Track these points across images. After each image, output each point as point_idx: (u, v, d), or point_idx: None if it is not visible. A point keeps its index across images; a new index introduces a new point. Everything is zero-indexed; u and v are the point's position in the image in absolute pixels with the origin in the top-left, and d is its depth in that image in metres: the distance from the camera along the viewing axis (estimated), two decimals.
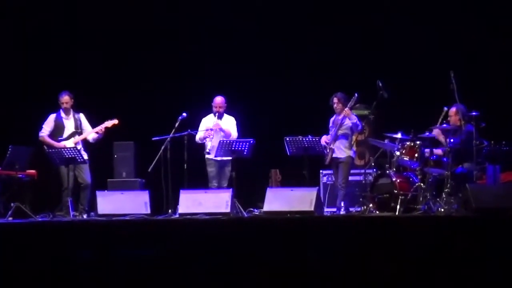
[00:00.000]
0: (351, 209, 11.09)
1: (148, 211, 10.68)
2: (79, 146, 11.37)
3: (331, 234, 8.75)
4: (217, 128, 11.33)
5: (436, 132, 10.54)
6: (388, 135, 10.87)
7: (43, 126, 11.52)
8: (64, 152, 11.09)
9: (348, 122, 11.02)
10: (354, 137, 11.12)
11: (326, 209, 11.29)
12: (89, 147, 11.65)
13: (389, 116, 11.63)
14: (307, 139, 10.87)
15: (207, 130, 11.35)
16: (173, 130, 11.17)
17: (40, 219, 10.76)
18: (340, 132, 11.06)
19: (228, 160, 11.23)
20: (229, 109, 11.57)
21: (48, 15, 13.46)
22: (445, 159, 10.47)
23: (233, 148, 10.96)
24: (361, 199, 10.88)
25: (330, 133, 11.13)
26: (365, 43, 13.01)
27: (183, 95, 12.70)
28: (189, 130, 11.25)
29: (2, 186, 11.28)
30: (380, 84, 10.84)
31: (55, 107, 11.62)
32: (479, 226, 8.60)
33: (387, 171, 10.73)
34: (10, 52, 13.41)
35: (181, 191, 10.65)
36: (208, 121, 11.47)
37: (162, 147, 11.09)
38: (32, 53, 13.63)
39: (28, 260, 8.79)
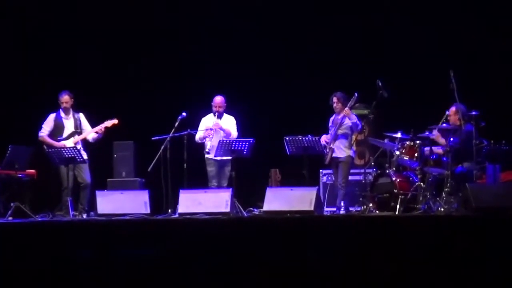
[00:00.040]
0: (351, 208, 11.09)
1: (148, 211, 10.67)
2: (79, 146, 11.38)
3: (331, 233, 8.75)
4: (217, 127, 11.34)
5: (435, 134, 10.55)
6: (388, 134, 10.87)
7: (43, 125, 11.52)
8: (63, 151, 11.09)
9: (348, 122, 11.02)
10: (354, 137, 11.11)
11: (326, 209, 11.27)
12: (88, 147, 11.65)
13: (389, 116, 11.63)
14: (307, 138, 10.87)
15: (206, 129, 11.35)
16: (173, 130, 11.17)
17: (39, 219, 10.76)
18: (339, 131, 11.06)
19: (228, 160, 11.23)
20: (229, 109, 11.57)
21: (48, 15, 13.47)
22: (445, 159, 10.47)
23: (232, 148, 10.96)
24: (361, 199, 10.87)
25: (330, 132, 11.13)
26: (365, 43, 13.00)
27: (183, 95, 12.70)
28: (188, 129, 11.26)
29: (2, 186, 11.28)
30: (380, 84, 10.83)
31: (55, 107, 11.63)
32: (479, 226, 8.59)
33: (387, 171, 10.73)
34: (10, 52, 13.40)
35: (180, 190, 10.64)
36: (208, 121, 11.47)
37: (162, 147, 11.09)
38: (32, 53, 13.63)
39: (28, 260, 8.79)
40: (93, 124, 11.59)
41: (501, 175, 10.22)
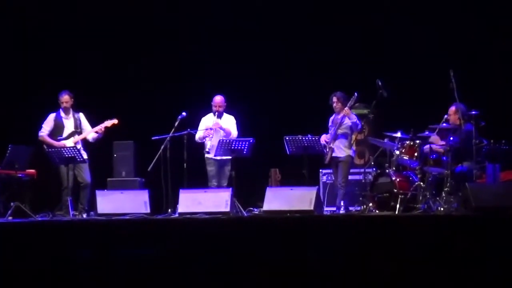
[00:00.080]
0: (350, 208, 11.08)
1: (148, 211, 10.68)
2: (79, 146, 11.38)
3: (330, 233, 8.76)
4: (216, 127, 11.34)
5: (434, 139, 10.56)
6: (388, 134, 10.87)
7: (43, 125, 11.53)
8: (63, 151, 11.10)
9: (347, 122, 11.02)
10: (353, 136, 11.11)
11: (325, 209, 11.27)
12: (88, 147, 11.65)
13: (389, 115, 11.62)
14: (306, 138, 10.88)
15: (206, 129, 11.35)
16: (173, 130, 11.17)
17: (39, 219, 10.75)
18: (339, 131, 11.06)
19: (228, 160, 11.23)
20: (229, 109, 11.58)
21: (48, 15, 13.46)
22: (444, 158, 10.47)
23: (232, 148, 10.97)
24: (360, 198, 10.86)
25: (330, 132, 11.14)
26: (365, 43, 13.00)
27: (183, 95, 12.70)
28: (188, 129, 11.26)
29: (2, 186, 11.28)
30: (380, 83, 10.83)
31: (55, 107, 11.63)
32: (478, 225, 8.61)
33: (387, 170, 10.73)
34: (10, 52, 13.41)
35: (180, 190, 10.65)
36: (207, 120, 11.47)
37: (162, 147, 11.09)
38: (32, 53, 13.63)
39: (28, 260, 8.80)
40: (93, 124, 11.59)
41: (501, 174, 10.23)
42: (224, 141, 11.04)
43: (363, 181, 11.20)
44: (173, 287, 8.64)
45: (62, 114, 11.55)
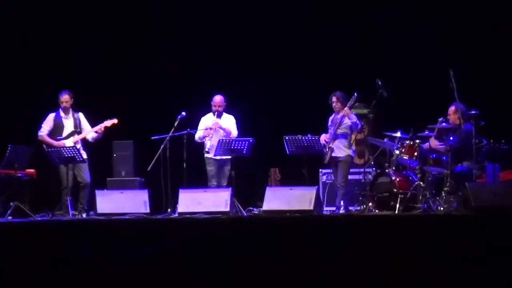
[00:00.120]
0: (350, 208, 11.05)
1: (148, 210, 10.67)
2: (78, 145, 11.38)
3: (330, 233, 8.76)
4: (216, 127, 11.34)
5: (432, 143, 10.57)
6: (388, 134, 10.87)
7: (42, 125, 11.53)
8: (63, 151, 11.09)
9: (347, 121, 11.01)
10: (353, 136, 11.10)
11: (325, 208, 11.27)
12: (88, 146, 11.65)
13: (389, 115, 11.63)
14: (306, 138, 10.88)
15: (206, 129, 11.35)
16: (173, 129, 11.17)
17: (39, 218, 10.74)
18: (339, 131, 11.06)
19: (228, 159, 11.23)
20: (229, 109, 11.58)
21: (48, 15, 13.46)
22: (444, 158, 10.47)
23: (232, 147, 10.97)
24: (360, 198, 10.86)
25: (329, 131, 11.13)
26: (365, 43, 13.00)
27: (183, 94, 12.70)
28: (188, 129, 11.25)
29: (2, 185, 11.27)
30: (380, 83, 10.83)
31: (55, 107, 11.63)
32: (478, 225, 8.61)
33: (387, 170, 10.72)
34: (10, 52, 13.41)
35: (180, 190, 10.64)
36: (207, 120, 11.47)
37: (162, 146, 11.10)
38: (32, 53, 13.63)
39: (27, 260, 8.79)
40: (93, 124, 11.59)
41: (501, 174, 10.23)
42: (224, 140, 11.04)
43: (363, 180, 11.20)
44: (173, 287, 8.62)
45: (62, 114, 11.55)
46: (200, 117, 11.56)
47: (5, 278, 8.74)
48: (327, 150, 11.02)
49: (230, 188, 10.67)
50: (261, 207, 10.58)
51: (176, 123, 11.19)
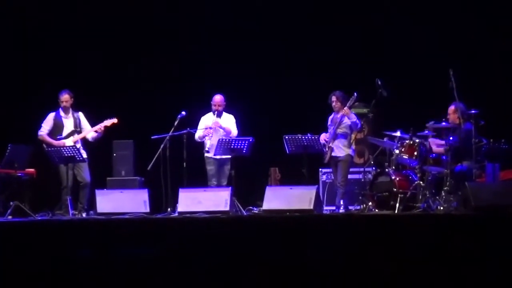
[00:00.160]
0: (350, 207, 11.05)
1: (148, 210, 10.68)
2: (78, 145, 11.38)
3: (330, 232, 8.75)
4: (216, 126, 11.35)
5: (431, 142, 10.57)
6: (387, 133, 10.87)
7: (42, 125, 11.53)
8: (63, 150, 11.10)
9: (347, 121, 11.02)
10: (353, 136, 11.11)
11: (325, 208, 11.27)
12: (88, 146, 11.66)
13: (388, 115, 11.64)
14: (306, 137, 10.89)
15: (206, 128, 11.36)
16: (172, 129, 11.17)
17: (39, 218, 10.74)
18: (339, 131, 11.06)
19: (228, 159, 11.24)
20: (229, 108, 11.58)
21: (48, 15, 13.47)
22: (444, 157, 10.47)
23: (232, 147, 10.97)
24: (360, 198, 10.86)
25: (329, 131, 11.14)
26: (365, 43, 13.00)
27: (183, 94, 12.70)
28: (188, 128, 11.26)
29: (2, 185, 11.28)
30: (379, 83, 10.84)
31: (55, 107, 11.64)
32: (478, 224, 8.60)
33: (387, 169, 10.73)
34: (10, 52, 13.41)
35: (180, 189, 10.64)
36: (207, 120, 11.48)
37: (162, 146, 11.10)
38: (32, 53, 13.63)
39: (27, 259, 8.79)
40: (93, 123, 11.60)
41: (501, 173, 10.22)
42: (224, 140, 11.05)
43: (362, 180, 11.20)
44: (173, 286, 8.63)
45: (62, 113, 11.56)
46: (200, 117, 11.56)
47: (5, 277, 8.71)
48: (327, 149, 11.03)
49: (230, 188, 10.67)
50: (261, 207, 10.59)
51: (176, 123, 11.19)
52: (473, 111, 10.28)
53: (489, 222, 8.61)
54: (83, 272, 8.73)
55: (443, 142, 10.54)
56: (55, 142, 11.38)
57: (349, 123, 11.01)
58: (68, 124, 11.53)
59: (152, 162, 11.06)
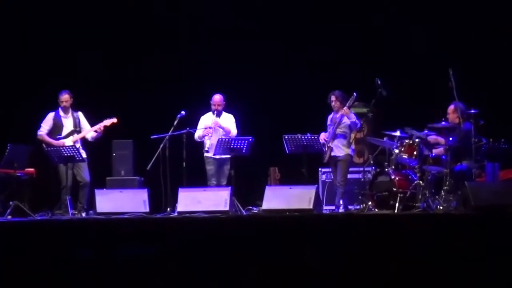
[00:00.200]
0: (350, 207, 11.05)
1: (147, 209, 10.68)
2: (78, 145, 11.37)
3: (330, 232, 8.75)
4: (216, 126, 11.34)
5: (432, 139, 10.57)
6: (387, 133, 10.86)
7: (42, 124, 11.53)
8: (62, 150, 11.09)
9: (346, 121, 11.02)
10: (352, 135, 11.11)
11: (325, 207, 11.28)
12: (87, 146, 11.65)
13: (388, 114, 11.64)
14: (305, 137, 10.89)
15: (206, 128, 11.35)
16: (172, 128, 11.17)
17: (39, 218, 10.74)
18: (338, 130, 11.06)
19: (227, 158, 11.23)
20: (229, 108, 11.58)
21: (48, 15, 13.47)
22: (444, 157, 10.47)
23: (232, 146, 10.97)
24: (360, 197, 10.86)
25: (328, 130, 11.14)
26: (365, 43, 13.00)
27: (182, 94, 12.69)
28: (188, 128, 11.25)
29: (1, 185, 11.27)
30: (379, 82, 10.84)
31: (55, 106, 11.63)
32: (478, 224, 8.59)
33: (386, 169, 10.72)
34: (10, 52, 13.41)
35: (179, 189, 10.64)
36: (207, 119, 11.48)
37: (161, 145, 11.08)
38: (32, 53, 13.63)
39: (27, 259, 8.78)
40: (92, 123, 11.59)
41: (500, 173, 10.24)
42: (223, 140, 11.05)
43: (362, 179, 11.21)
44: (173, 286, 8.62)
45: (61, 113, 11.56)
46: (199, 116, 11.56)
47: (4, 277, 8.70)
48: (326, 149, 11.03)
49: (229, 187, 10.67)
50: (261, 206, 10.59)
51: (175, 122, 11.19)
52: (472, 111, 10.28)
53: (488, 221, 8.60)
54: (83, 271, 8.72)
55: (442, 139, 10.54)
56: (54, 142, 11.37)
57: (349, 123, 11.02)
58: (68, 124, 11.53)
59: (152, 162, 11.05)
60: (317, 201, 10.44)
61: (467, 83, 10.55)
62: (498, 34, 12.37)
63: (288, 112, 12.75)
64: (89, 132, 11.54)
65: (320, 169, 12.03)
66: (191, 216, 10.18)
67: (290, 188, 10.51)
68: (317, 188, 10.63)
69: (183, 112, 11.25)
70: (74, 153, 11.07)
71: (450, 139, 10.41)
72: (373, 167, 11.23)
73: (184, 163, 11.04)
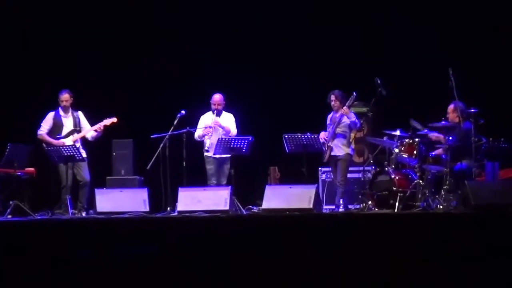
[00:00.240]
0: (350, 206, 11.05)
1: (147, 209, 10.69)
2: (78, 144, 11.37)
3: (330, 231, 8.74)
4: (216, 125, 11.34)
5: (434, 137, 10.57)
6: (387, 132, 10.86)
7: (42, 124, 11.53)
8: (62, 150, 11.09)
9: (346, 120, 11.03)
10: (352, 135, 11.12)
11: (325, 207, 11.29)
12: (87, 145, 11.65)
13: (388, 114, 11.64)
14: (305, 136, 10.90)
15: (206, 127, 11.36)
16: (172, 128, 11.17)
17: (39, 217, 10.74)
18: (338, 130, 11.07)
19: (227, 158, 11.23)
20: (229, 107, 11.58)
21: (48, 15, 13.47)
22: (444, 156, 10.47)
23: (231, 146, 10.96)
24: (360, 197, 10.87)
25: (328, 130, 11.14)
26: (365, 43, 13.00)
27: (183, 94, 12.70)
28: (188, 127, 11.25)
29: (1, 184, 11.27)
30: (379, 82, 10.84)
31: (55, 106, 11.63)
32: (478, 223, 8.58)
33: (386, 168, 10.74)
34: (10, 52, 13.42)
35: (179, 188, 10.64)
36: (206, 119, 11.48)
37: (161, 145, 11.08)
38: (32, 53, 13.64)
39: (27, 259, 8.77)
40: (92, 123, 11.59)
41: (500, 172, 10.24)
42: (223, 139, 11.05)
43: (362, 179, 11.21)
44: (173, 285, 8.61)
45: (61, 112, 11.56)
46: (199, 116, 11.56)
47: (4, 277, 8.70)
48: (326, 148, 11.03)
49: (229, 187, 10.66)
50: (261, 206, 10.59)
51: (175, 122, 11.19)
52: (472, 110, 10.28)
53: (488, 221, 8.59)
54: (83, 271, 8.71)
55: (443, 137, 10.55)
56: (54, 142, 11.37)
57: (348, 122, 11.02)
58: (68, 124, 11.53)
59: (152, 161, 11.05)
60: (317, 201, 10.44)
61: (467, 83, 10.55)
62: (498, 34, 12.36)
63: (288, 112, 12.75)
64: (89, 131, 11.54)
65: (320, 168, 12.03)
66: (191, 215, 10.18)
67: (290, 187, 10.51)
68: (317, 188, 10.63)
69: (183, 112, 11.24)
70: (74, 153, 11.07)
71: (450, 138, 10.41)
72: (373, 167, 11.22)
73: (184, 163, 11.05)
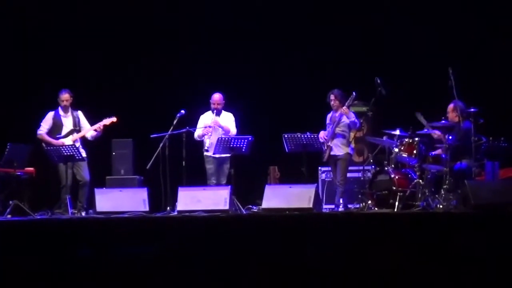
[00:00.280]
0: (349, 206, 11.06)
1: (147, 209, 10.70)
2: (78, 144, 11.37)
3: (329, 231, 8.73)
4: (215, 125, 11.34)
5: (436, 136, 10.57)
6: (387, 131, 10.86)
7: (41, 123, 11.53)
8: (62, 149, 11.09)
9: (345, 120, 11.03)
10: (352, 134, 11.12)
11: (324, 206, 11.29)
12: (87, 145, 11.65)
13: (388, 113, 11.64)
14: (305, 136, 10.90)
15: (205, 127, 11.35)
16: (172, 128, 11.17)
17: (38, 217, 10.73)
18: (337, 130, 11.07)
19: (227, 157, 11.23)
20: (228, 107, 11.58)
21: (48, 15, 13.47)
22: (443, 156, 10.46)
23: (231, 145, 10.96)
24: (359, 196, 10.87)
25: (328, 129, 11.14)
26: (365, 43, 13.00)
27: (182, 94, 12.70)
28: (187, 127, 11.25)
29: (1, 184, 11.26)
30: (379, 81, 10.84)
31: (55, 106, 11.63)
32: (477, 223, 8.58)
33: (386, 168, 10.74)
34: (10, 52, 13.42)
35: (179, 188, 10.64)
36: (206, 118, 11.48)
37: (161, 144, 11.08)
38: (32, 53, 13.63)
39: (26, 258, 8.77)
40: (92, 122, 11.59)
41: (500, 172, 10.23)
42: (223, 139, 11.04)
43: (362, 178, 11.22)
44: (172, 285, 8.60)
45: (61, 112, 11.56)
46: (199, 115, 11.56)
47: (4, 276, 8.69)
48: (325, 148, 11.03)
49: (229, 186, 10.66)
50: (260, 205, 10.59)
51: (175, 121, 11.19)
52: (472, 109, 10.28)
53: (488, 220, 8.59)
54: (83, 271, 8.70)
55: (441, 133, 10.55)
56: (54, 141, 11.37)
57: (348, 122, 11.02)
58: (67, 123, 11.53)
59: (152, 161, 11.05)
60: (317, 200, 10.44)
61: (466, 82, 10.55)
62: (498, 34, 12.36)
63: (287, 112, 12.75)
64: (89, 131, 11.54)
65: (319, 168, 12.03)
66: (190, 215, 10.18)
67: (290, 187, 10.51)
68: (317, 187, 10.64)
69: (182, 111, 11.24)
70: (74, 152, 11.07)
71: (450, 137, 10.40)
72: (373, 166, 11.22)
73: (183, 162, 11.05)
